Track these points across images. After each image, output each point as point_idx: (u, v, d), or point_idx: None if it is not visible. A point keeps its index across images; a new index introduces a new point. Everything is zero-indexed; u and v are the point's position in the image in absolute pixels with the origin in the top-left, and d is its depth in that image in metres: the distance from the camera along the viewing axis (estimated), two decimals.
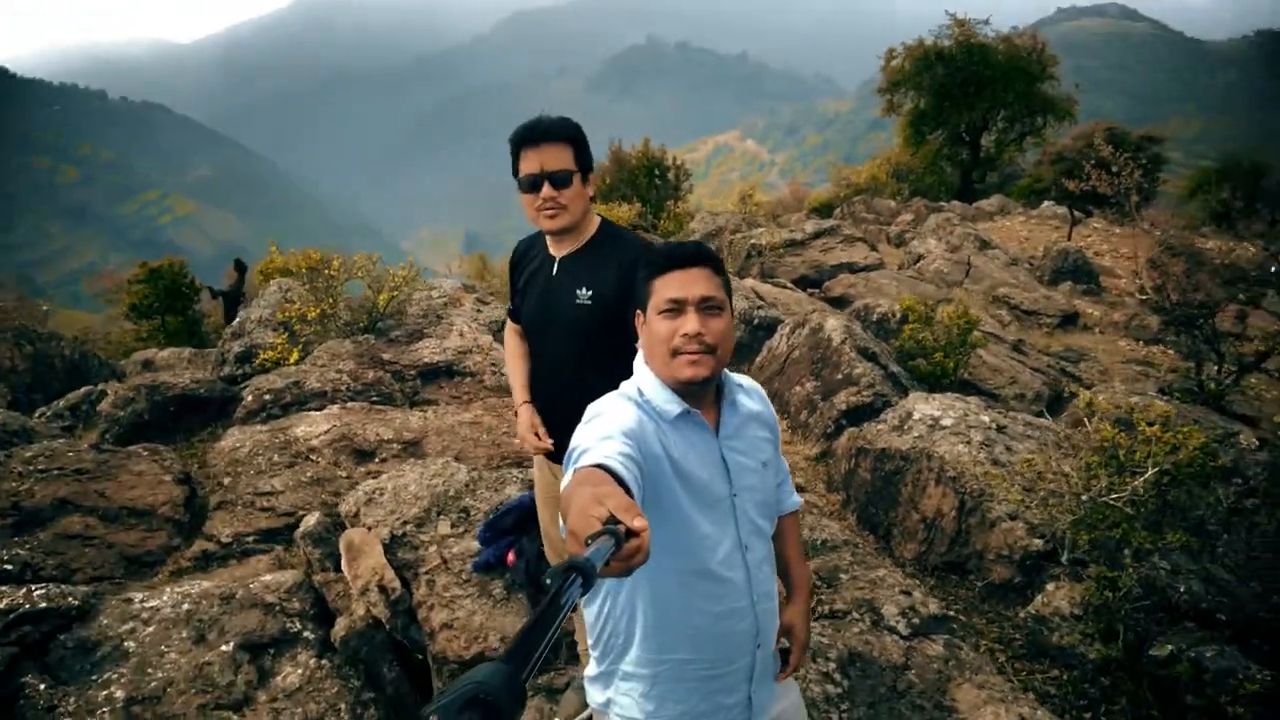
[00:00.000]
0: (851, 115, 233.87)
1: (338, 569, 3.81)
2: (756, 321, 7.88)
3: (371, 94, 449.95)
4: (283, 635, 3.42)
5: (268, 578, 3.72)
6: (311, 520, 4.01)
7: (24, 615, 3.26)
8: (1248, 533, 3.98)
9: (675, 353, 1.75)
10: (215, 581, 3.75)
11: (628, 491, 1.36)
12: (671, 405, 1.77)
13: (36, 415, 6.40)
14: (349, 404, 6.00)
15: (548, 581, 0.92)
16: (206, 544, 4.50)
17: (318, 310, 7.34)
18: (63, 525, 4.39)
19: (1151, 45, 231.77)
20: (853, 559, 3.91)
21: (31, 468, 4.64)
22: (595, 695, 1.95)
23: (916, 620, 3.48)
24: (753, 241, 12.20)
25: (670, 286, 1.77)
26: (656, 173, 20.46)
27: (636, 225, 15.79)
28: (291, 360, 7.00)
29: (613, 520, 1.10)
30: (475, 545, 3.71)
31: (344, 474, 5.11)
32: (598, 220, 2.61)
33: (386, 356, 6.94)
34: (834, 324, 6.65)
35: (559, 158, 2.42)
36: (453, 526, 3.86)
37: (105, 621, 3.34)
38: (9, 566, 3.95)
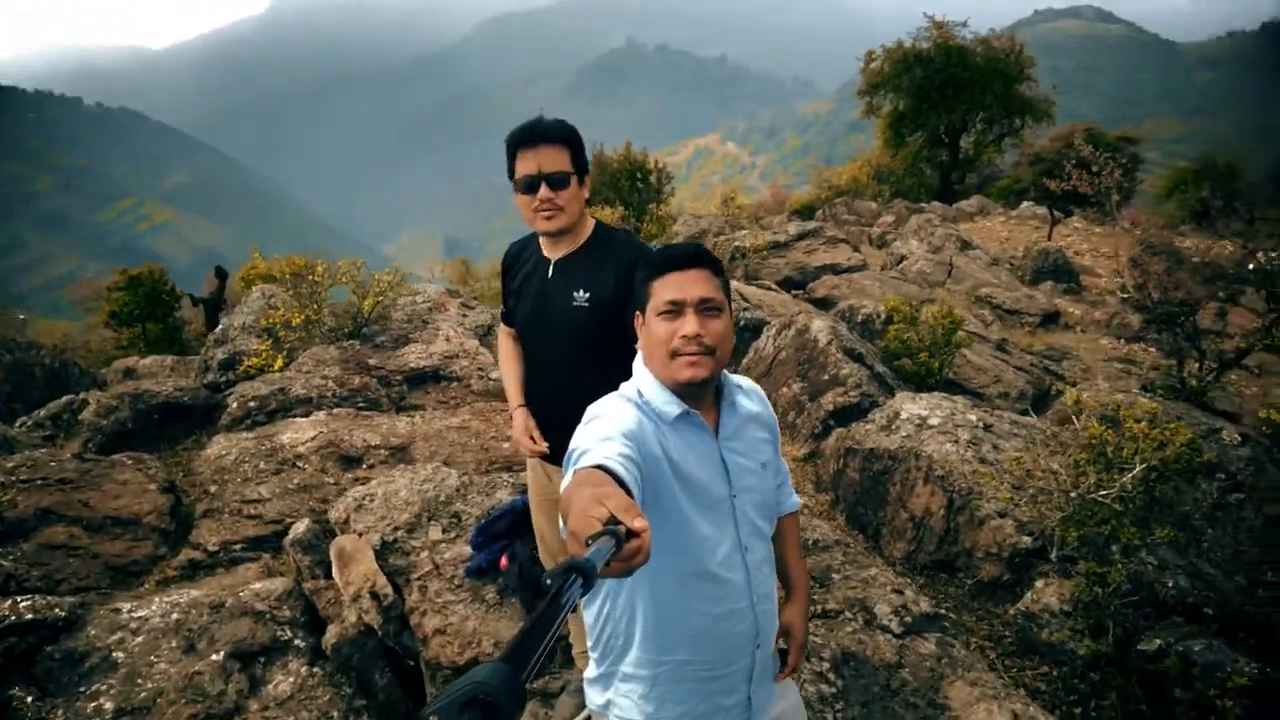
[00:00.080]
0: (830, 117, 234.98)
1: (328, 576, 3.79)
2: (742, 323, 7.89)
3: (349, 99, 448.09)
4: (273, 643, 3.39)
5: (257, 586, 3.69)
6: (301, 527, 3.99)
7: (10, 627, 3.22)
8: (1234, 527, 4.02)
9: (674, 354, 1.75)
10: (204, 590, 3.72)
11: (628, 492, 1.36)
12: (671, 406, 1.77)
13: (17, 425, 6.33)
14: (335, 410, 5.96)
15: (548, 582, 0.92)
16: (193, 553, 4.46)
17: (302, 316, 7.29)
18: (46, 536, 4.34)
19: (1126, 47, 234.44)
20: (844, 559, 3.92)
21: (13, 478, 4.58)
22: (595, 697, 1.94)
23: (908, 619, 3.49)
24: (736, 244, 12.22)
25: (669, 288, 1.77)
26: (638, 176, 20.46)
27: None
28: (276, 367, 6.95)
29: (613, 521, 1.10)
30: (467, 550, 3.70)
31: (331, 481, 5.08)
32: (592, 222, 2.61)
33: (372, 362, 6.91)
34: (820, 325, 6.67)
35: (556, 159, 2.42)
36: (444, 532, 3.85)
37: (93, 632, 3.30)
38: None
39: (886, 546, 4.73)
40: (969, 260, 12.86)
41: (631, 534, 1.09)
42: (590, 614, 1.88)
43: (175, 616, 3.41)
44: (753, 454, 1.89)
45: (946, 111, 26.08)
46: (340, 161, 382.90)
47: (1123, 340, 9.86)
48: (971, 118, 26.86)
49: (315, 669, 3.32)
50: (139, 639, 3.29)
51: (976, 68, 25.38)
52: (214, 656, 3.26)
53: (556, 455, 2.63)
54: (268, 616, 3.50)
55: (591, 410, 1.78)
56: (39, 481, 4.61)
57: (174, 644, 3.29)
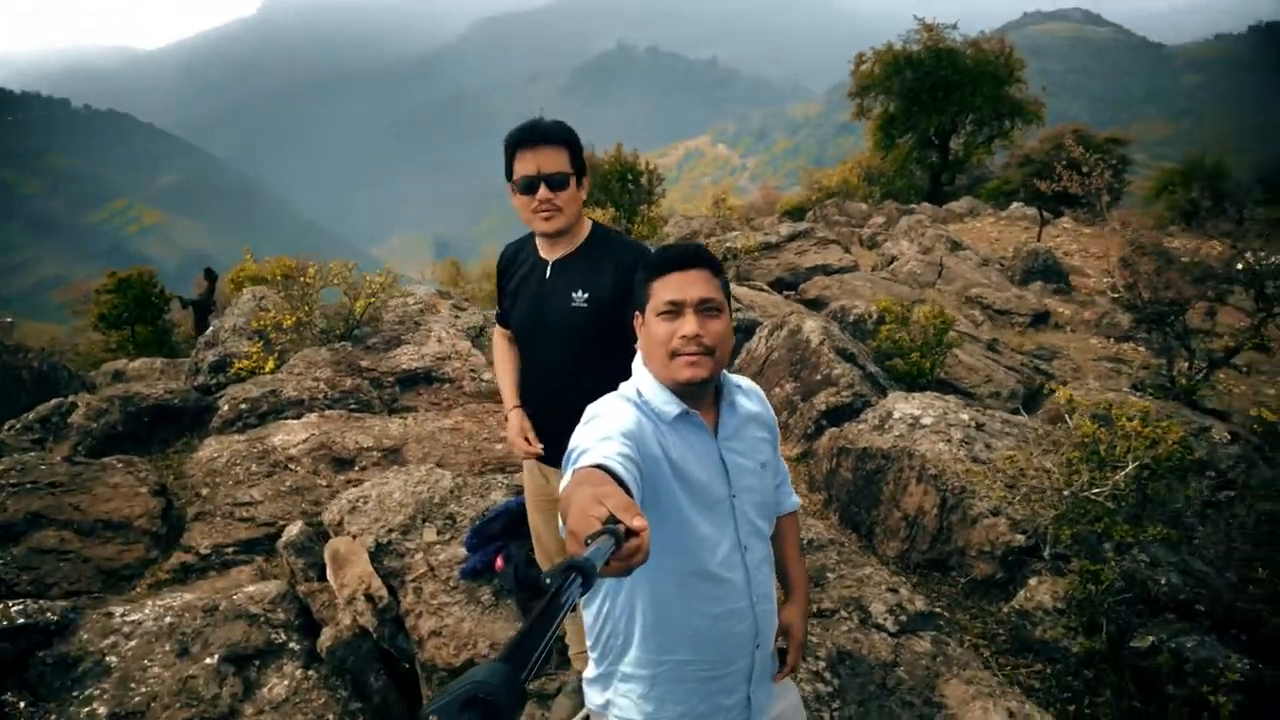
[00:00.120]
0: (820, 119, 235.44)
1: (322, 579, 3.77)
2: (734, 324, 7.89)
3: (340, 101, 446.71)
4: (268, 646, 3.38)
5: (251, 589, 3.68)
6: (294, 530, 3.97)
7: (1, 631, 3.19)
8: (1227, 524, 4.04)
9: (673, 354, 1.75)
10: (197, 593, 3.70)
11: (627, 492, 1.36)
12: (670, 406, 1.77)
13: (5, 428, 6.27)
14: (327, 412, 5.94)
15: (547, 581, 0.92)
16: (185, 556, 4.44)
17: (293, 318, 7.27)
18: (37, 539, 4.31)
19: (1114, 49, 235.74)
20: (839, 558, 3.93)
21: (3, 481, 4.56)
22: (594, 697, 1.94)
23: (904, 617, 3.50)
24: (728, 245, 12.24)
25: (668, 288, 1.77)
26: (629, 178, 20.49)
27: None
28: (267, 369, 6.92)
29: (612, 520, 1.10)
30: (462, 552, 3.69)
31: (324, 483, 5.06)
32: (589, 223, 2.61)
33: (364, 364, 6.89)
34: (812, 325, 6.68)
35: (556, 160, 2.42)
36: (439, 533, 3.84)
37: (85, 636, 3.28)
38: None
39: (880, 546, 4.74)
40: (959, 261, 12.91)
41: (631, 533, 1.08)
42: (590, 614, 1.88)
43: (168, 620, 3.39)
44: (752, 454, 1.89)
45: (936, 113, 26.21)
46: (330, 163, 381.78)
47: (1112, 340, 9.91)
48: (961, 119, 27.00)
49: (310, 672, 3.31)
50: (132, 643, 3.27)
51: (966, 70, 25.52)
52: (208, 660, 3.24)
53: (554, 456, 2.62)
54: (262, 619, 3.48)
55: (591, 410, 1.78)
56: (29, 485, 4.58)
57: (167, 647, 3.27)
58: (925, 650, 3.33)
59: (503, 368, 2.88)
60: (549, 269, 2.57)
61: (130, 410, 6.07)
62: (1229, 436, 5.71)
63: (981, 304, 10.98)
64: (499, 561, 3.54)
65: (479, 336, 8.03)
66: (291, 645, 3.42)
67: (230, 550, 4.47)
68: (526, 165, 2.41)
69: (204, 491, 4.96)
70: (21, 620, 3.26)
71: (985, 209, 21.36)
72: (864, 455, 5.04)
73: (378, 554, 3.71)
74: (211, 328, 8.40)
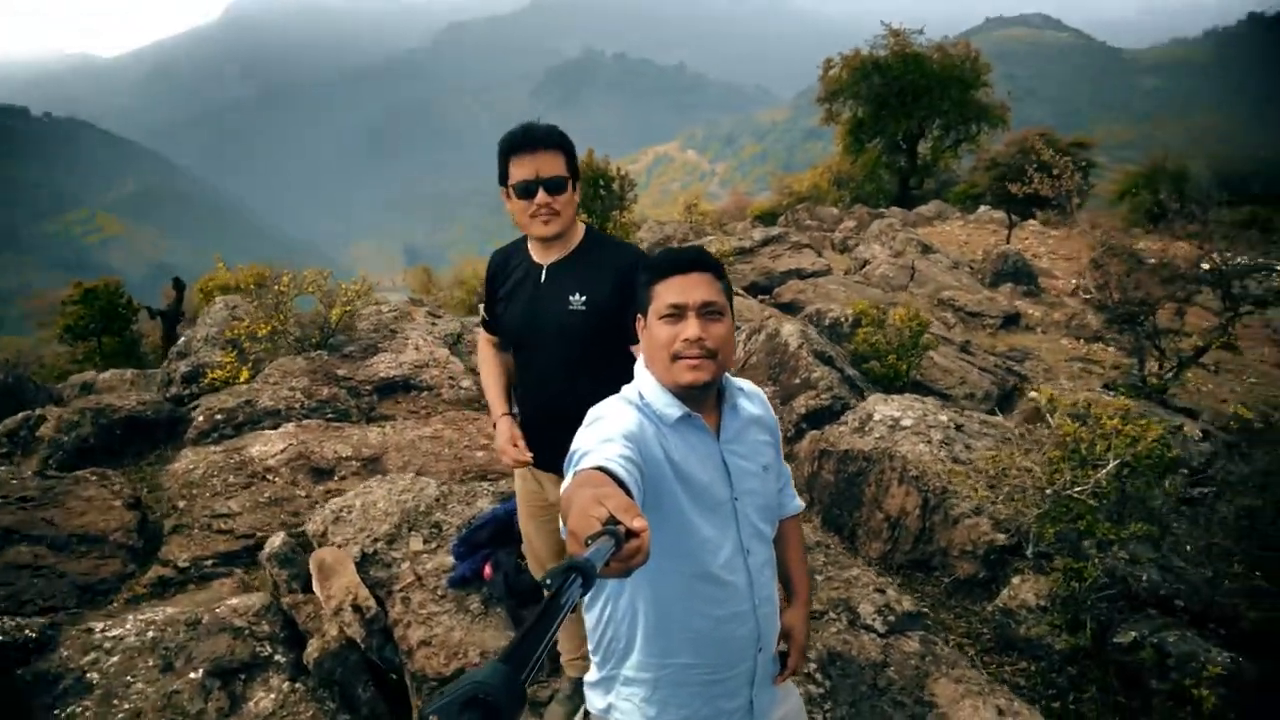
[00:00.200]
0: (789, 124, 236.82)
1: (306, 590, 3.73)
2: None
3: (305, 108, 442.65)
4: (253, 659, 3.33)
5: (234, 601, 3.63)
6: (277, 541, 3.92)
7: None
8: (1207, 520, 4.11)
9: (676, 357, 1.75)
10: (179, 607, 3.64)
11: (628, 493, 1.37)
12: (672, 409, 1.77)
13: None
14: (304, 422, 5.88)
15: (547, 582, 0.92)
16: (163, 569, 4.37)
17: (268, 327, 7.18)
18: (10, 555, 4.23)
19: (1074, 54, 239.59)
20: (826, 560, 3.95)
21: None
22: (595, 701, 1.94)
23: (892, 618, 3.52)
24: None
25: (671, 291, 1.78)
26: (600, 183, 20.46)
27: None
28: (242, 379, 6.83)
29: (613, 521, 1.10)
30: (450, 560, 3.66)
31: (303, 493, 5.01)
32: (583, 227, 2.61)
33: (341, 372, 6.83)
34: (790, 329, 6.72)
35: (553, 164, 2.42)
36: (425, 542, 3.81)
37: (66, 653, 3.22)
38: None
39: (863, 547, 4.76)
40: (930, 264, 13.03)
41: (631, 534, 1.09)
42: (591, 617, 1.87)
43: (151, 635, 3.34)
44: (754, 456, 1.89)
45: (904, 118, 26.48)
46: (295, 171, 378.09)
47: (1082, 340, 10.05)
48: (929, 124, 27.30)
49: (297, 685, 3.27)
50: (114, 658, 3.22)
51: (933, 74, 25.83)
52: (192, 675, 3.19)
53: (550, 461, 2.61)
54: (246, 632, 3.44)
55: (593, 412, 1.78)
56: None
57: (151, 663, 3.22)
58: (914, 650, 3.35)
59: (489, 375, 2.87)
60: (544, 273, 2.56)
61: (102, 422, 5.96)
62: (1200, 434, 5.83)
63: (953, 306, 11.09)
64: (488, 569, 3.52)
65: (457, 344, 7.98)
66: (277, 658, 3.38)
67: (209, 563, 4.41)
68: (524, 169, 2.41)
69: (181, 504, 4.88)
70: (0, 638, 3.19)
71: (953, 212, 21.60)
72: (845, 457, 5.06)
73: (363, 564, 3.67)
74: (183, 338, 8.28)
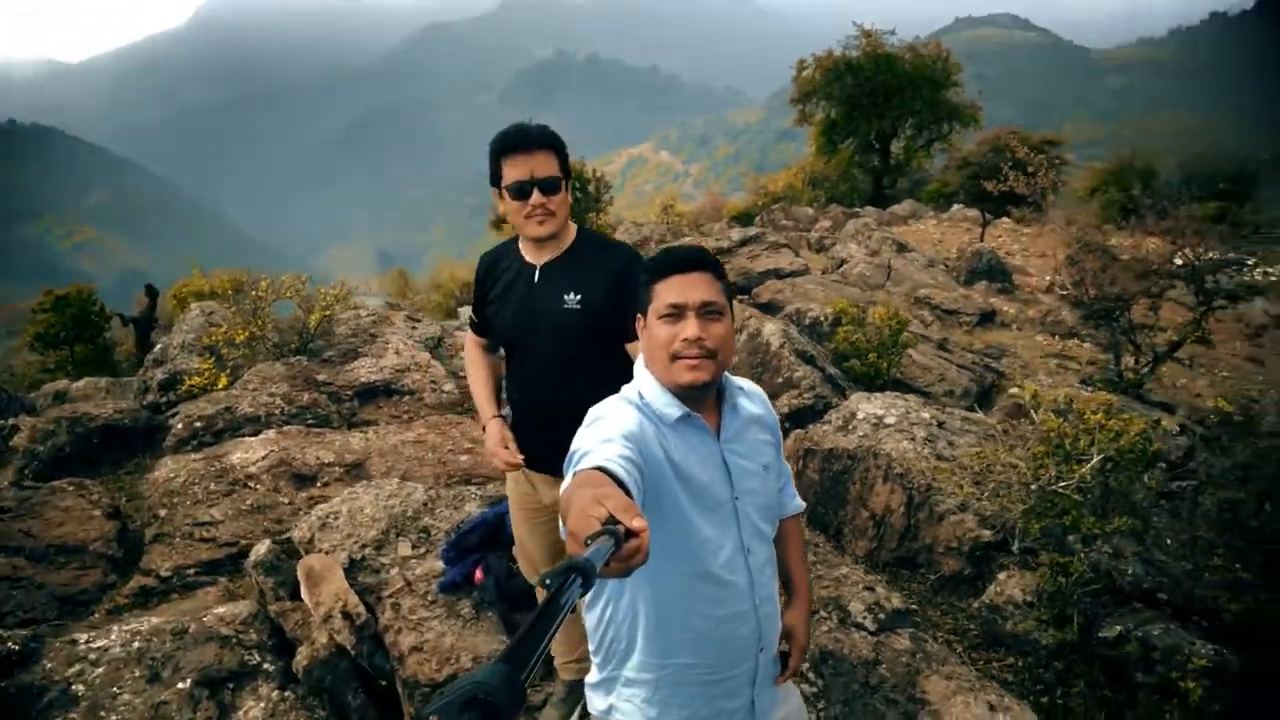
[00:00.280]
0: (761, 125, 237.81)
1: (293, 597, 3.70)
2: None
3: (274, 113, 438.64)
4: (242, 668, 3.30)
5: (221, 610, 3.58)
6: (262, 549, 3.88)
7: None
8: (1190, 513, 4.17)
9: (675, 357, 1.75)
10: (165, 617, 3.59)
11: (628, 494, 1.37)
12: (672, 409, 1.77)
13: None
14: (285, 428, 5.82)
15: (547, 582, 0.92)
16: (145, 579, 4.32)
17: (246, 333, 7.11)
18: None
19: (1042, 54, 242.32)
20: (815, 558, 3.96)
21: None
22: (597, 702, 1.93)
23: (882, 616, 3.54)
24: None
25: (670, 291, 1.78)
26: (576, 186, 20.47)
27: None
28: (220, 385, 6.76)
29: (612, 521, 1.11)
30: (439, 565, 3.64)
31: (286, 500, 4.96)
32: (574, 227, 2.61)
33: (321, 377, 6.77)
34: (772, 328, 6.74)
35: (547, 164, 2.42)
36: (414, 547, 3.79)
37: (49, 665, 3.16)
38: None
39: (848, 545, 4.78)
40: (906, 263, 13.12)
41: (630, 534, 1.09)
42: (592, 618, 1.87)
43: (137, 645, 3.29)
44: (754, 456, 1.90)
45: (877, 118, 26.69)
46: (266, 176, 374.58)
47: (1057, 337, 10.15)
48: (901, 124, 27.54)
49: (286, 693, 3.24)
50: (99, 670, 3.17)
51: (905, 74, 26.05)
52: (180, 685, 3.15)
53: (545, 461, 2.60)
54: (234, 641, 3.40)
55: (593, 412, 1.78)
56: None
57: (137, 673, 3.18)
58: (905, 647, 3.37)
59: (477, 378, 2.86)
60: (537, 273, 2.56)
61: (79, 431, 5.88)
62: (1177, 428, 5.90)
63: (930, 304, 11.16)
64: (478, 574, 3.50)
65: (438, 347, 7.95)
66: (266, 666, 3.35)
67: (192, 572, 4.36)
68: (518, 170, 2.40)
69: (162, 512, 4.82)
70: None
71: (927, 211, 21.77)
72: (830, 456, 5.08)
73: (352, 570, 3.64)
74: (159, 345, 8.18)
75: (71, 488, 4.99)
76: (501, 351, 2.83)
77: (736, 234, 13.17)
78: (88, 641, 3.30)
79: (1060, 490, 3.66)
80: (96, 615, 4.07)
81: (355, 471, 5.26)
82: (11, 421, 6.44)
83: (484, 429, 2.73)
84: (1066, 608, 3.66)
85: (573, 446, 1.65)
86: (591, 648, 1.91)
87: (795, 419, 5.98)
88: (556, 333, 2.51)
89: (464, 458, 5.44)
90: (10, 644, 3.21)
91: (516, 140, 2.42)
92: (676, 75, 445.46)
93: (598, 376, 2.10)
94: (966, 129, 26.74)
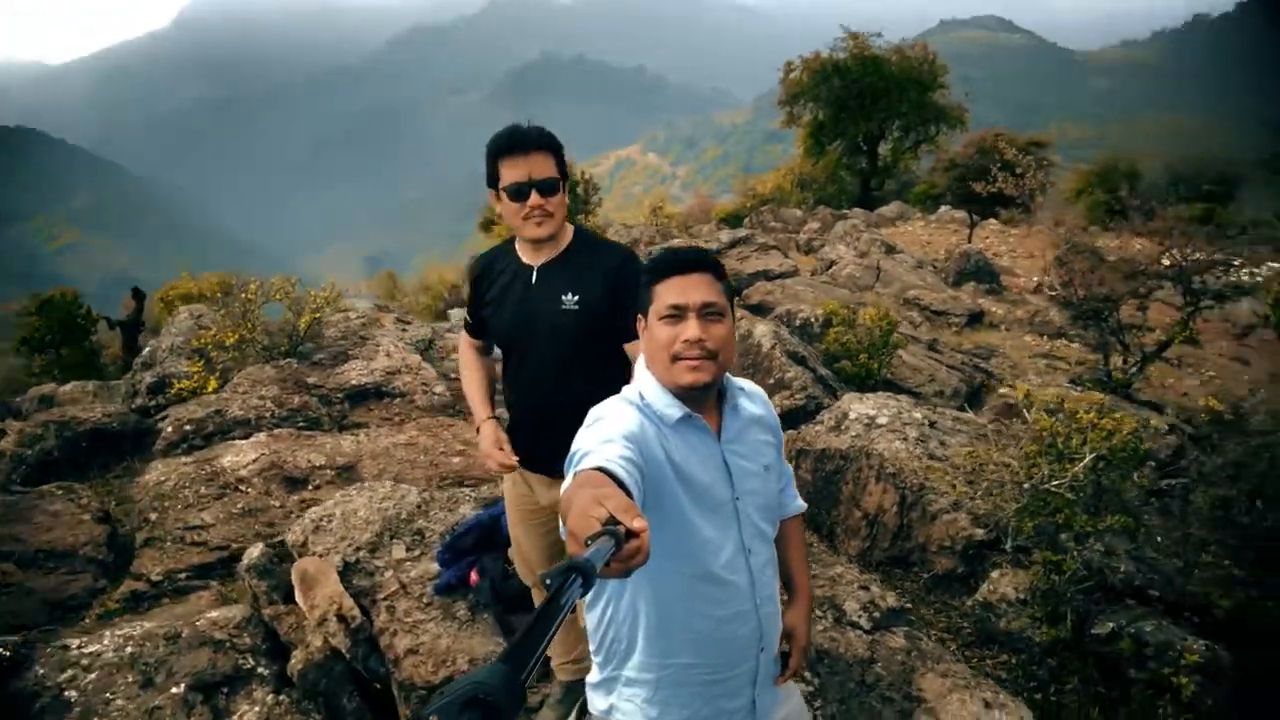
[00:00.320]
0: (749, 127, 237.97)
1: (287, 601, 3.68)
2: None
3: (261, 115, 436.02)
4: (236, 673, 3.28)
5: (214, 614, 3.56)
6: (255, 552, 3.86)
7: None
8: (1182, 510, 4.20)
9: (676, 358, 1.75)
10: (157, 621, 3.57)
11: (628, 494, 1.37)
12: (672, 409, 1.77)
13: None
14: (276, 431, 5.79)
15: (547, 582, 0.92)
16: (136, 583, 4.29)
17: (235, 335, 7.08)
18: None
19: (1027, 56, 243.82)
20: (809, 558, 3.96)
21: None
22: (597, 702, 1.93)
23: (877, 614, 3.55)
24: None
25: (671, 292, 1.78)
26: None
27: None
28: (210, 389, 6.73)
29: (612, 521, 1.11)
30: (434, 568, 3.63)
31: (277, 503, 4.94)
32: (571, 228, 2.61)
33: (311, 380, 6.75)
34: (763, 329, 6.76)
35: (545, 166, 2.42)
36: (408, 550, 3.77)
37: (41, 671, 3.14)
38: None
39: (842, 545, 4.79)
40: (895, 264, 13.18)
41: (631, 534, 1.09)
42: (593, 618, 1.87)
43: (129, 650, 3.27)
44: (755, 457, 1.90)
45: (864, 120, 26.79)
46: (253, 179, 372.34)
47: (1045, 337, 10.21)
48: (888, 125, 27.65)
49: (281, 697, 3.22)
50: (92, 675, 3.15)
51: (892, 76, 26.16)
52: (174, 690, 3.13)
53: (543, 462, 2.60)
54: (228, 645, 3.38)
55: (594, 413, 1.78)
56: None
57: (130, 679, 3.15)
58: (900, 646, 3.38)
59: (471, 379, 2.85)
60: (534, 274, 2.55)
61: (67, 435, 5.84)
62: (1166, 427, 5.95)
63: (919, 305, 11.21)
64: (473, 575, 3.49)
65: (428, 349, 7.93)
66: (260, 670, 3.33)
67: (183, 576, 4.33)
68: (516, 172, 2.40)
69: (152, 516, 4.79)
70: None
71: (914, 213, 21.87)
72: (823, 456, 5.10)
73: (346, 573, 3.63)
74: (147, 348, 8.13)
75: (60, 492, 4.96)
76: (496, 353, 2.82)
77: (725, 236, 13.21)
78: (80, 647, 3.28)
79: (1053, 489, 3.68)
80: (88, 620, 4.05)
81: (347, 474, 5.24)
82: None
83: (478, 431, 2.73)
84: (1060, 605, 3.69)
85: (573, 447, 1.65)
86: (592, 648, 1.91)
87: (787, 420, 5.99)
88: (554, 334, 2.51)
89: (456, 460, 5.43)
90: (1, 650, 3.18)
91: (514, 142, 2.42)
92: (663, 75, 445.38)
93: (595, 377, 2.10)
94: (953, 131, 26.88)
